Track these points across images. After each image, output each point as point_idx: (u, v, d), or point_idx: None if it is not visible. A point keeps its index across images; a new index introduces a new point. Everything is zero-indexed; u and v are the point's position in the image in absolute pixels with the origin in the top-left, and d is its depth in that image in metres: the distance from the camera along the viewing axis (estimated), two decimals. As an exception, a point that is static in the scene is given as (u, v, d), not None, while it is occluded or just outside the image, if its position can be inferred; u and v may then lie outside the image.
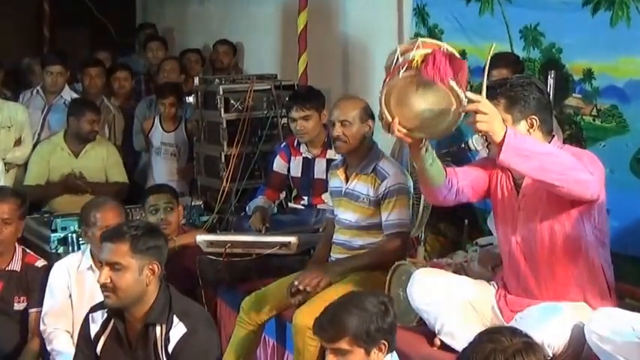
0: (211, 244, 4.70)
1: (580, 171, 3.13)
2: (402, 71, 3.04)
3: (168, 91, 6.66)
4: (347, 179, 4.33)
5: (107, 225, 4.18)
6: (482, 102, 3.00)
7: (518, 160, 3.05)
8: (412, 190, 4.29)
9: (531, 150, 3.07)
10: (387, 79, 3.11)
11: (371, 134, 4.31)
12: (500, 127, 3.01)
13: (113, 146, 6.55)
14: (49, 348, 4.31)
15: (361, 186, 4.27)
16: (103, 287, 3.32)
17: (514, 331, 2.61)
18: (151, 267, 3.33)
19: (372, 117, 4.32)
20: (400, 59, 3.06)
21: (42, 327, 4.35)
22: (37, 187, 6.13)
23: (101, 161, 6.27)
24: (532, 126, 3.33)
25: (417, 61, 3.02)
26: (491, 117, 3.00)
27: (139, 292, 3.32)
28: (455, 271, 3.93)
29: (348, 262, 4.24)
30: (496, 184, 3.52)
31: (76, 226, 5.20)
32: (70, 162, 6.18)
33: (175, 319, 3.32)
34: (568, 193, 3.16)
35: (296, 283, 4.06)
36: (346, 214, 4.32)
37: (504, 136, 2.99)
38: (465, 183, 3.49)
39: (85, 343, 3.50)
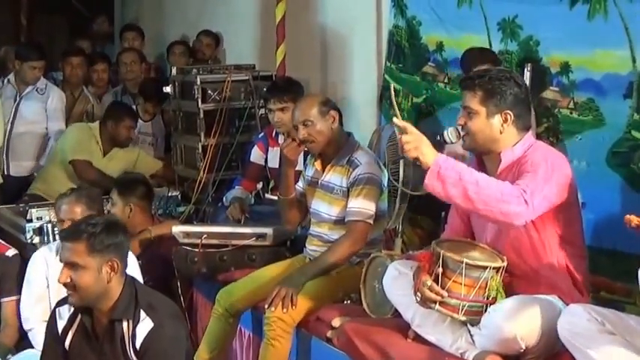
0: (187, 235, 4.68)
1: (508, 203, 3.09)
2: None
3: (156, 95, 6.62)
4: (323, 170, 4.31)
5: (72, 218, 4.11)
6: (408, 128, 3.15)
7: (441, 186, 3.10)
8: (385, 184, 4.27)
9: (457, 178, 3.09)
10: None
11: (338, 124, 4.25)
12: (429, 152, 3.12)
13: (139, 149, 6.42)
14: (33, 343, 4.25)
15: (336, 177, 4.24)
16: (65, 286, 3.33)
17: None
18: (110, 264, 3.31)
19: (334, 107, 4.27)
20: None
21: (23, 316, 4.29)
22: (97, 170, 5.98)
23: (125, 164, 6.13)
24: (506, 121, 3.33)
25: None
26: (416, 141, 3.12)
27: (101, 290, 3.30)
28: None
29: (312, 268, 4.15)
30: None
31: (52, 216, 5.17)
32: (97, 157, 6.06)
33: (142, 313, 3.31)
34: (495, 221, 3.19)
35: (273, 309, 3.97)
36: (321, 207, 4.29)
37: (433, 161, 3.09)
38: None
39: (53, 338, 3.48)
